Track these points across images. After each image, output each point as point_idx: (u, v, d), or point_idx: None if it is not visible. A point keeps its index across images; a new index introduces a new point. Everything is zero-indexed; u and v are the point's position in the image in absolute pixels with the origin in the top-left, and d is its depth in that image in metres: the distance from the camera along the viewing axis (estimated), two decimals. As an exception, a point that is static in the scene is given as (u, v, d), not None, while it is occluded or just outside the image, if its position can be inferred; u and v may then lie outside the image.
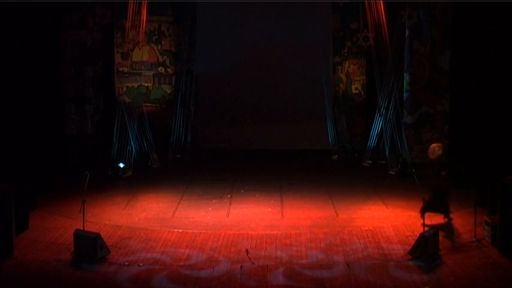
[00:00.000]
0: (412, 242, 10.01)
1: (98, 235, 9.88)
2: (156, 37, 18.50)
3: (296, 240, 10.59)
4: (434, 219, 10.87)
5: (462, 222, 11.32)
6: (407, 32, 15.81)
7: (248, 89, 18.33)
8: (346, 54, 18.56)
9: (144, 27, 17.01)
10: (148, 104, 18.33)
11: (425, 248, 9.69)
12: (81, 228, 10.14)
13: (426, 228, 10.10)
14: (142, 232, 11.08)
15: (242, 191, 13.90)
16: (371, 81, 17.30)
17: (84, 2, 15.93)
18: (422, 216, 10.36)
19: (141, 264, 9.62)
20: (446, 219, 11.12)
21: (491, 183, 10.95)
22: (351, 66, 18.55)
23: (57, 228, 11.26)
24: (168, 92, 18.59)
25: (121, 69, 18.16)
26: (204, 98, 18.42)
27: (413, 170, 12.55)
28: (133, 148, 16.12)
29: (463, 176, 10.82)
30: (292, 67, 18.31)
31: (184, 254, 10.04)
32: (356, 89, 18.56)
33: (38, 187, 12.65)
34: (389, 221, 11.62)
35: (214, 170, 16.17)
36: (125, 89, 18.27)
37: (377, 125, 16.39)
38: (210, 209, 12.59)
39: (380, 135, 16.25)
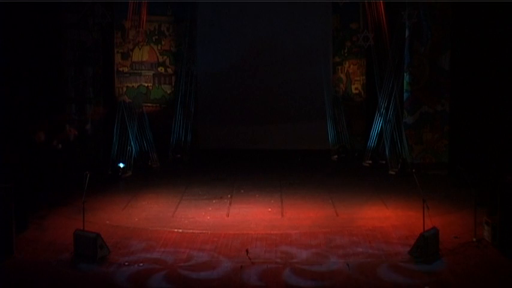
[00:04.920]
0: (412, 242, 10.01)
1: (98, 235, 9.88)
2: (156, 37, 18.49)
3: (296, 240, 10.59)
4: (435, 219, 10.86)
5: (462, 222, 11.32)
6: (407, 32, 15.81)
7: (248, 89, 18.34)
8: (346, 54, 18.56)
9: (144, 27, 17.02)
10: (148, 104, 18.33)
11: (425, 248, 9.69)
12: (81, 228, 10.13)
13: (426, 228, 10.10)
14: (143, 232, 11.08)
15: (242, 191, 13.91)
16: (371, 81, 17.30)
17: (84, 2, 15.92)
18: None
19: (141, 264, 9.62)
20: None
21: (491, 183, 10.95)
22: (351, 66, 18.55)
23: (57, 228, 11.26)
24: (168, 92, 18.59)
25: (121, 69, 18.15)
26: (204, 98, 18.43)
27: (414, 170, 12.54)
28: (133, 148, 16.12)
29: (463, 176, 10.81)
30: (292, 67, 18.32)
31: (184, 254, 10.04)
32: (356, 89, 18.56)
33: (38, 187, 12.65)
34: (389, 221, 11.62)
35: (214, 170, 16.17)
36: (125, 89, 18.27)
37: (377, 125, 16.39)
38: (210, 209, 12.59)
39: (380, 135, 16.26)
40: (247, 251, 9.90)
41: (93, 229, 10.45)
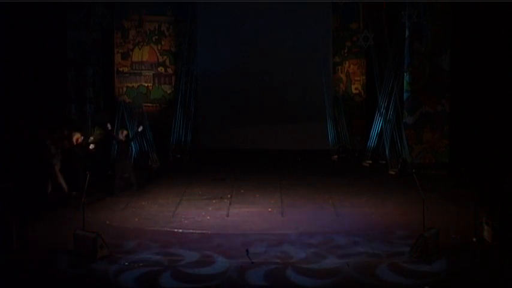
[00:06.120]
0: (412, 242, 10.01)
1: (98, 235, 9.88)
2: (156, 37, 18.50)
3: (296, 240, 10.59)
4: (435, 219, 10.86)
5: (462, 222, 11.31)
6: (407, 32, 15.82)
7: (248, 89, 18.34)
8: (346, 54, 18.57)
9: (144, 27, 17.01)
10: (149, 104, 18.34)
11: (425, 248, 9.69)
12: (81, 228, 10.13)
13: (426, 228, 10.10)
14: (143, 232, 11.07)
15: (242, 191, 13.91)
16: (371, 81, 17.32)
17: (84, 2, 15.94)
18: None
19: (141, 264, 9.62)
20: None
21: (491, 183, 10.96)
22: (351, 66, 18.56)
23: (58, 228, 11.25)
24: (168, 92, 18.59)
25: (121, 69, 18.16)
26: (204, 98, 18.43)
27: (414, 170, 12.56)
28: (133, 148, 16.11)
29: (463, 176, 10.82)
30: (292, 67, 18.32)
31: (184, 253, 10.04)
32: (356, 89, 18.57)
33: (38, 187, 12.65)
34: (389, 221, 11.62)
35: (214, 170, 16.17)
36: (124, 89, 18.28)
37: (377, 125, 16.41)
38: (210, 209, 12.59)
39: (380, 135, 16.27)
40: (247, 251, 9.90)
41: (93, 229, 10.45)
